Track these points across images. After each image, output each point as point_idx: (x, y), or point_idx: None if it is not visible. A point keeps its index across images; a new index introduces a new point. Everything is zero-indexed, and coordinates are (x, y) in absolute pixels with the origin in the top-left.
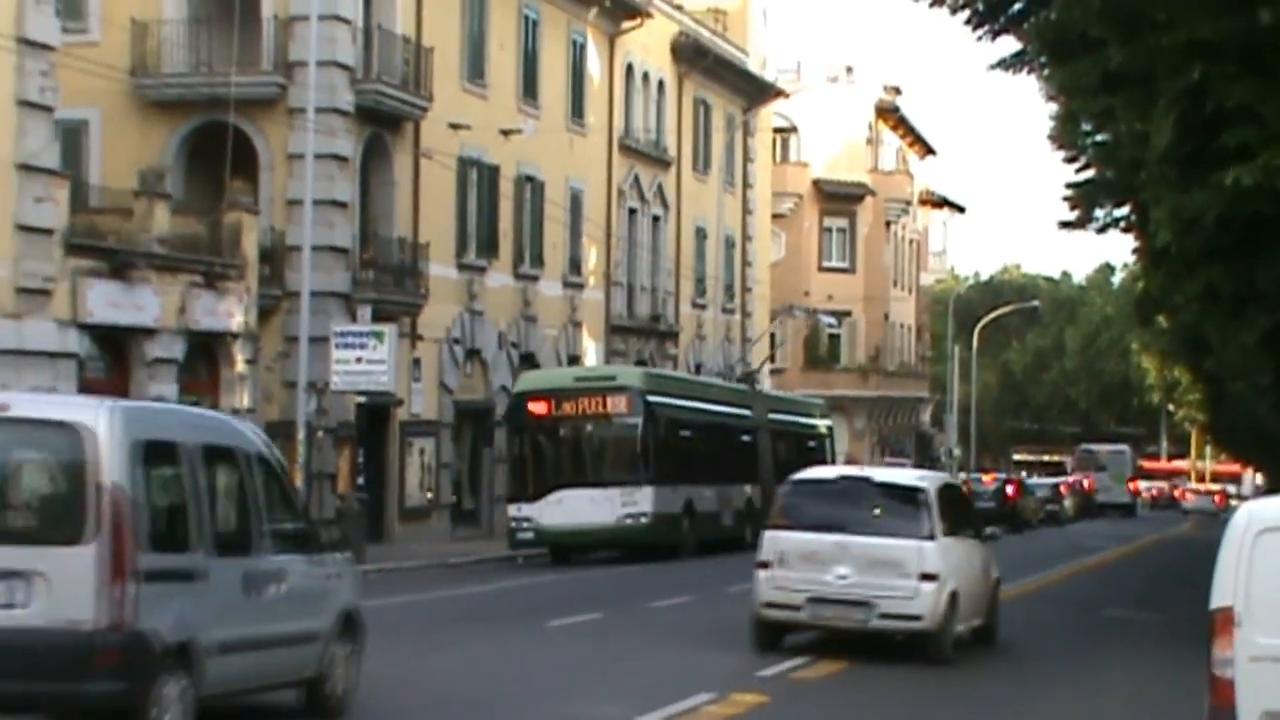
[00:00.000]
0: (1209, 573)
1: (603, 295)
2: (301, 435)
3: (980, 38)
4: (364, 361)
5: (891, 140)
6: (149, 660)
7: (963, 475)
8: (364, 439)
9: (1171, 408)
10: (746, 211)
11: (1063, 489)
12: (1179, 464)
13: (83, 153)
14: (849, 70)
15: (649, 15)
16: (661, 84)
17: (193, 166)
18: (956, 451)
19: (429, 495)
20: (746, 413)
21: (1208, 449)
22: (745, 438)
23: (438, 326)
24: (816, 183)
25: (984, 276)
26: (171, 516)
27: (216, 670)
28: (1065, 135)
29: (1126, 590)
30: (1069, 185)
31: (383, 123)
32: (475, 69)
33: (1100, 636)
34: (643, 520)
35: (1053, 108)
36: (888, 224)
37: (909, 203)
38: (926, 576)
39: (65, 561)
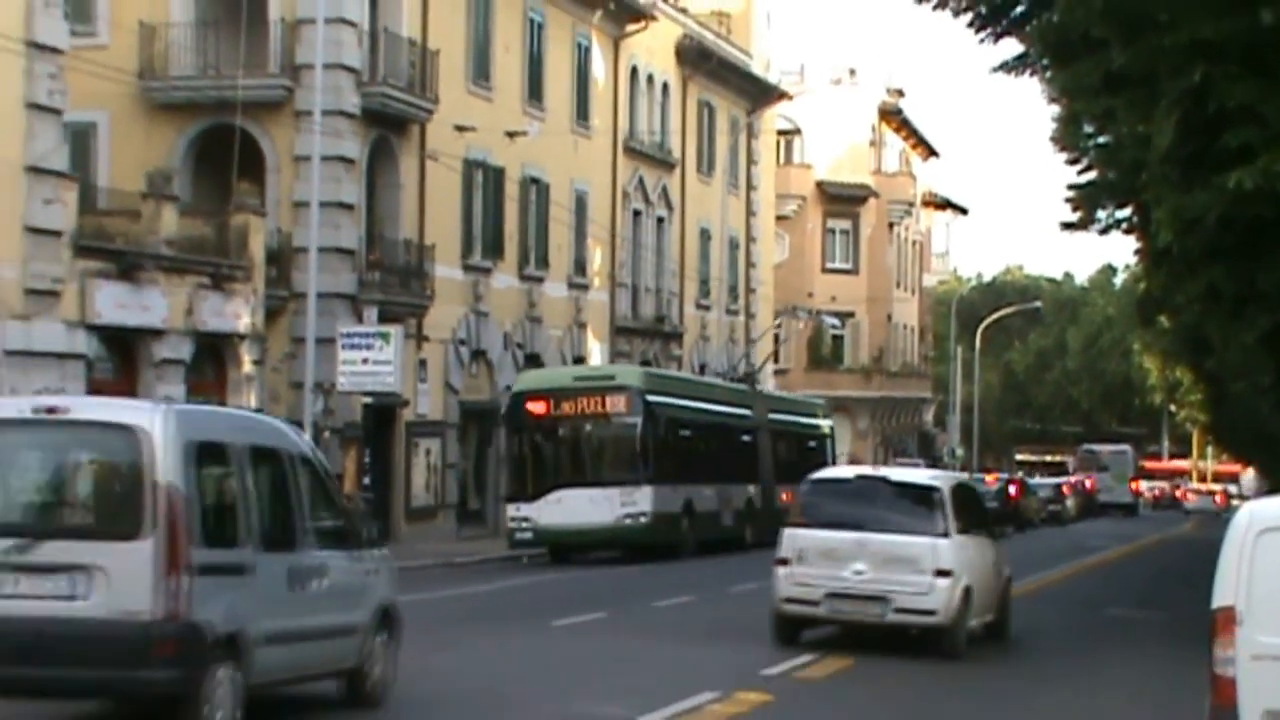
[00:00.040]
0: (1210, 572)
1: (607, 296)
2: (308, 436)
3: (983, 40)
4: (370, 362)
5: (895, 142)
6: (202, 650)
7: (965, 475)
8: (370, 439)
9: (1173, 408)
10: (750, 213)
11: (1065, 489)
12: (1180, 464)
13: (91, 155)
14: (852, 73)
15: (653, 18)
16: (666, 86)
17: (200, 169)
18: (959, 451)
19: (429, 496)
20: (747, 412)
21: (1209, 449)
22: (745, 437)
23: (443, 327)
24: (820, 184)
25: (986, 277)
26: (221, 513)
27: (263, 660)
28: (1067, 137)
29: (1128, 589)
30: (1071, 187)
31: (388, 125)
32: (480, 71)
33: (1102, 635)
34: (642, 520)
35: (1055, 110)
36: (891, 225)
37: (912, 204)
38: (941, 572)
39: (123, 556)
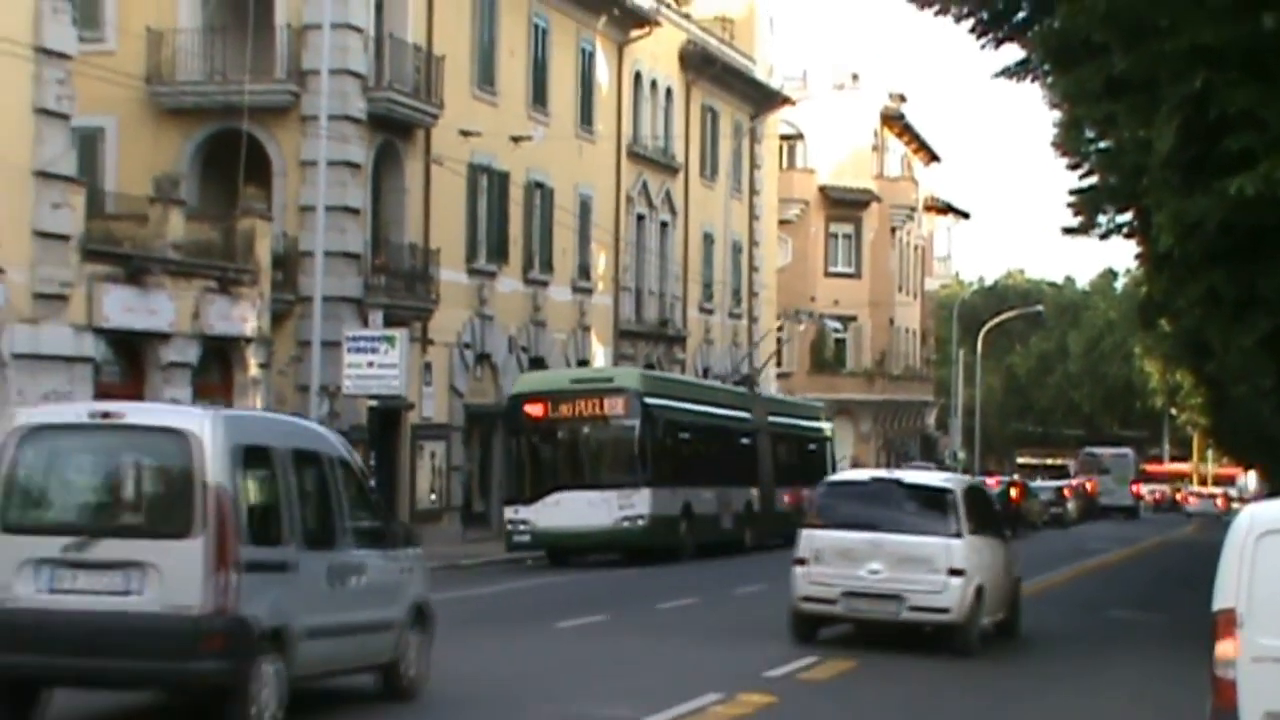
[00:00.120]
0: (1211, 575)
1: (611, 300)
2: None
3: (984, 46)
4: (376, 366)
5: (897, 147)
6: (249, 643)
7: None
8: (375, 442)
9: (1174, 411)
10: (753, 217)
11: (1066, 491)
12: (1181, 467)
13: (99, 160)
14: (855, 78)
15: (657, 24)
16: (669, 91)
17: (207, 173)
18: (961, 454)
19: (432, 498)
20: (746, 415)
21: (1210, 452)
22: (745, 440)
23: (448, 331)
24: (823, 189)
25: (988, 281)
26: (266, 513)
27: (305, 653)
28: (1069, 142)
29: (1130, 592)
30: (1072, 191)
31: (394, 130)
32: (485, 77)
33: (1104, 637)
34: (640, 523)
35: (1056, 115)
36: (893, 230)
37: (914, 209)
38: (954, 572)
39: (175, 553)
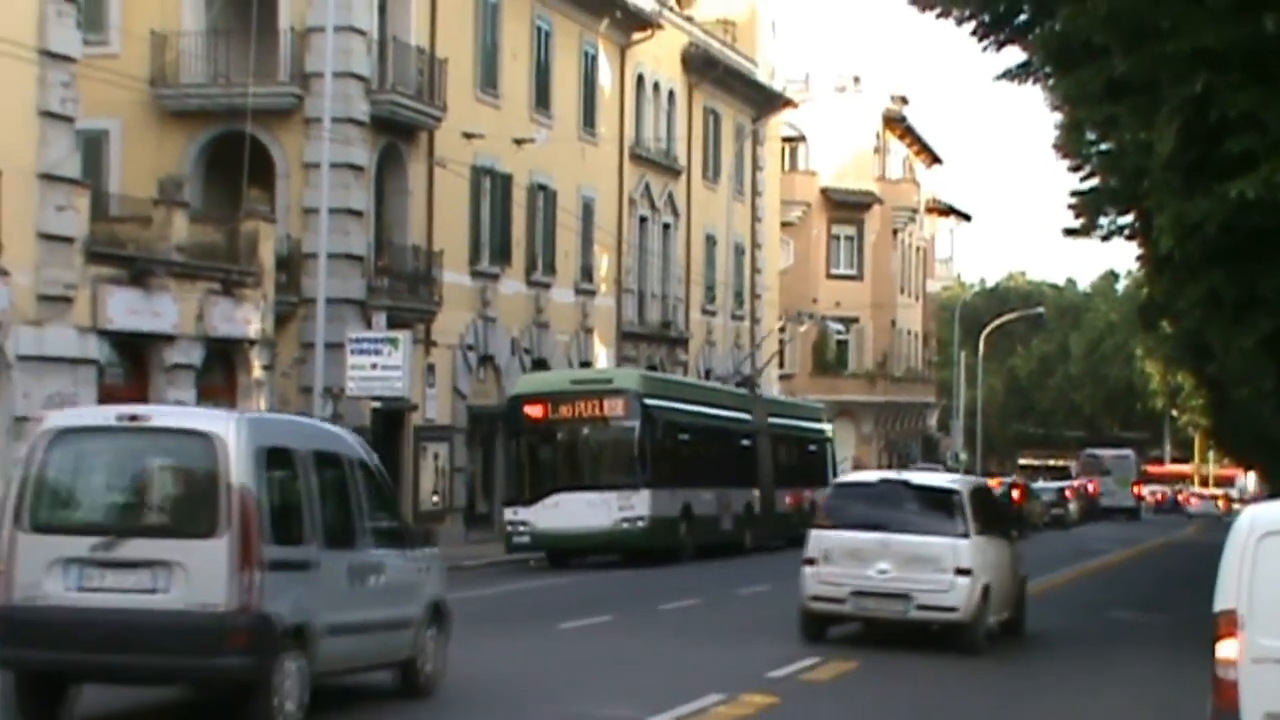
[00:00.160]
0: (1212, 576)
1: (614, 302)
2: None
3: (986, 48)
4: (379, 367)
5: (899, 149)
6: (272, 640)
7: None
8: (379, 444)
9: (1175, 412)
10: (755, 219)
11: (1068, 493)
12: (1182, 468)
13: (103, 162)
14: (856, 80)
15: (659, 26)
16: (672, 94)
17: (211, 176)
18: (963, 456)
19: (434, 499)
20: (746, 416)
21: (1211, 453)
22: (745, 441)
23: (451, 333)
24: (825, 191)
25: (990, 283)
26: (288, 513)
27: (327, 650)
28: (1070, 144)
29: (1131, 593)
30: (1074, 193)
31: (397, 132)
32: (488, 79)
33: (1106, 637)
34: (640, 524)
35: (1058, 117)
36: (895, 232)
37: (916, 211)
38: (961, 571)
39: (201, 552)
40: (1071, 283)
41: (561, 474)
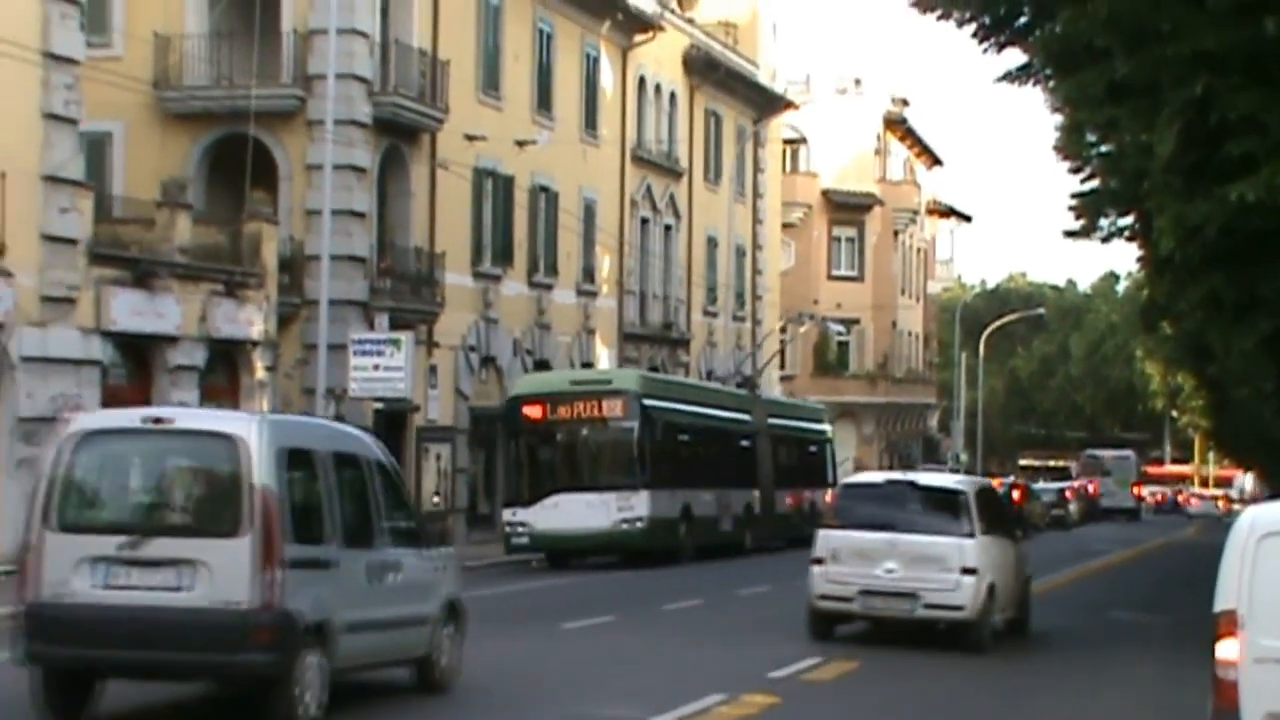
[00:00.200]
0: (1213, 576)
1: (616, 303)
2: None
3: (987, 50)
4: (381, 368)
5: (899, 151)
6: (293, 636)
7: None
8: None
9: (1175, 413)
10: (757, 221)
11: (1068, 493)
12: (1183, 469)
13: (106, 164)
14: (857, 82)
15: (661, 29)
16: (673, 96)
17: (214, 177)
18: (964, 456)
19: (435, 500)
20: (746, 417)
21: (1211, 454)
22: (744, 442)
23: (454, 334)
24: (825, 193)
25: (990, 285)
26: (309, 513)
27: (346, 647)
28: (1070, 146)
29: (1132, 593)
30: (1074, 195)
31: (400, 134)
32: (490, 81)
33: (1107, 638)
34: (639, 525)
35: (1058, 119)
36: (895, 233)
37: (916, 212)
38: (967, 570)
39: (224, 551)
40: (1072, 284)
41: (560, 475)
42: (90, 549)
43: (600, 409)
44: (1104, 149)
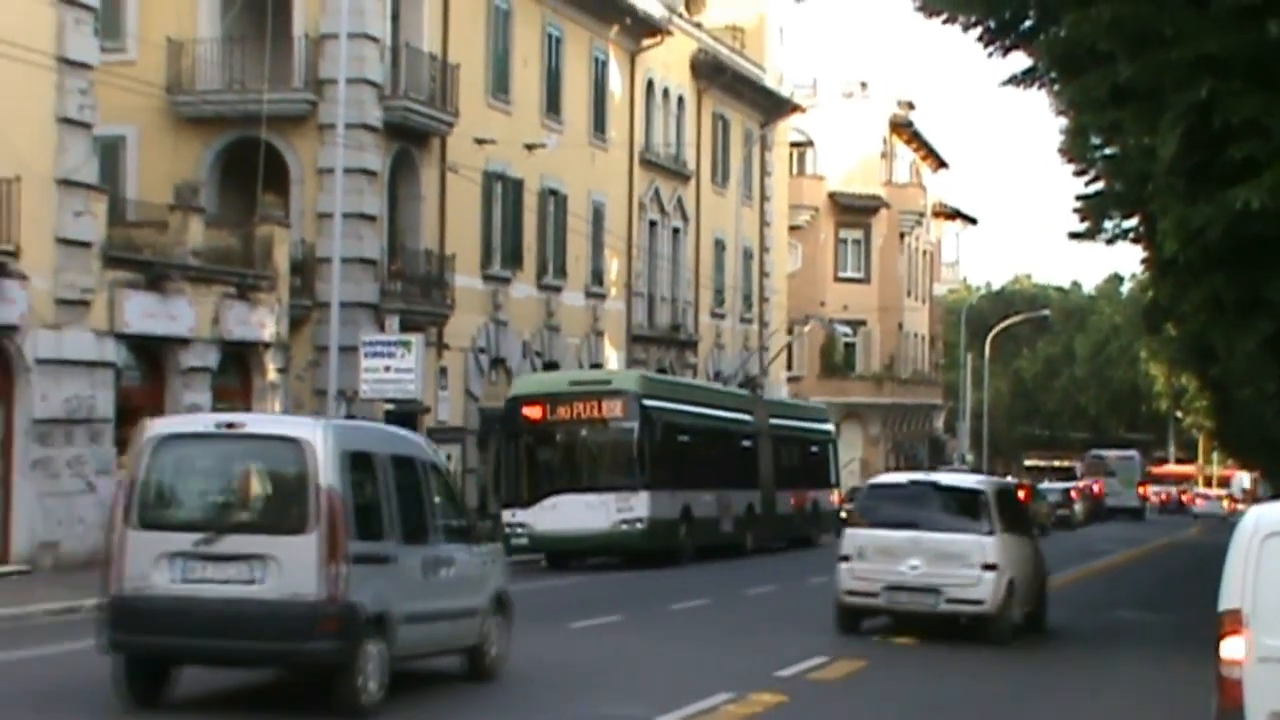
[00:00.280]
0: (1217, 576)
1: (624, 305)
2: None
3: (991, 54)
4: (392, 370)
5: (905, 154)
6: (357, 627)
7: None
8: None
9: (1179, 414)
10: (764, 223)
11: (1073, 493)
12: (1187, 469)
13: (120, 168)
14: (864, 86)
15: (669, 33)
16: (681, 99)
17: (226, 181)
18: (969, 457)
19: None
20: (747, 418)
21: (1215, 454)
22: (746, 443)
23: (464, 336)
24: (832, 195)
25: (995, 286)
26: (369, 512)
27: (404, 637)
28: (1075, 148)
29: (1137, 592)
30: (1078, 197)
31: (410, 138)
32: (500, 85)
33: (1112, 636)
34: (639, 526)
35: (1062, 122)
36: (902, 235)
37: (922, 215)
38: (988, 566)
39: (292, 547)
40: (1077, 286)
41: (560, 476)
42: (169, 545)
43: (600, 409)
44: (1108, 152)
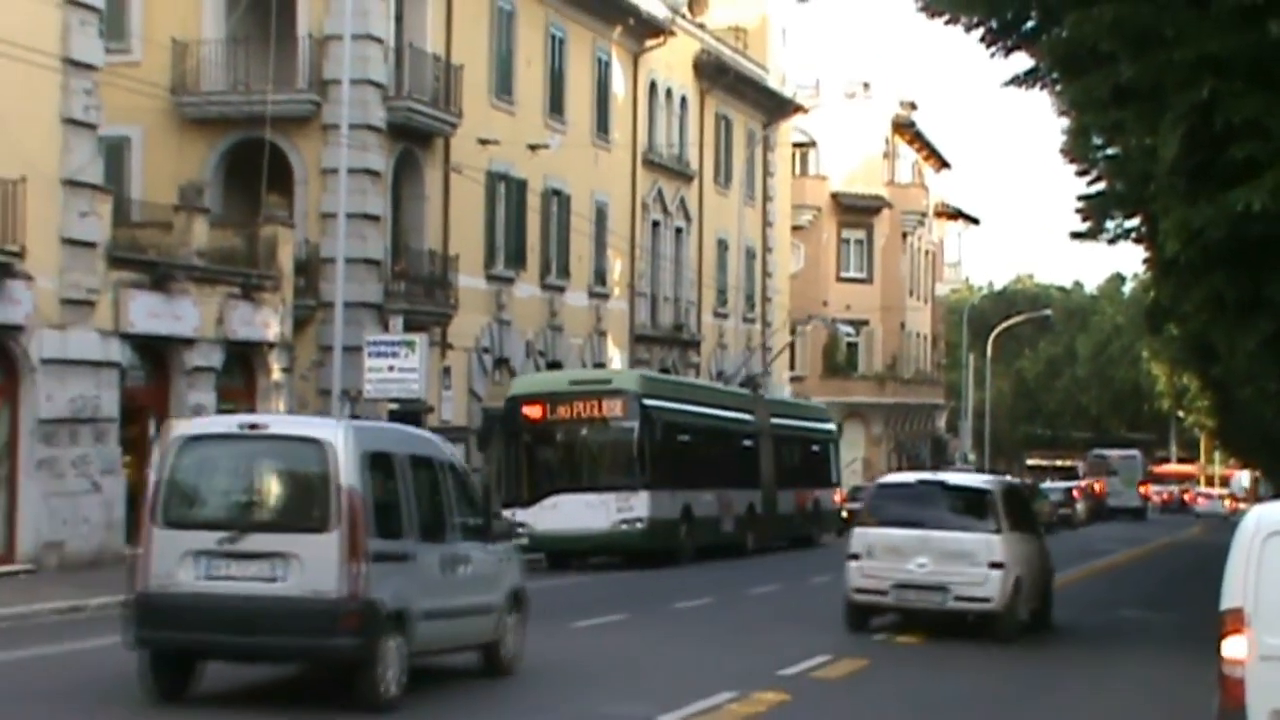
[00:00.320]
0: (1219, 575)
1: (627, 305)
2: None
3: (994, 54)
4: (396, 370)
5: (908, 154)
6: (377, 623)
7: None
8: None
9: (1181, 413)
10: (767, 224)
11: (1075, 493)
12: (1188, 468)
13: (125, 169)
14: (866, 86)
15: (672, 33)
16: (684, 100)
17: (231, 182)
18: (971, 457)
19: None
20: (748, 417)
21: (1217, 454)
22: (746, 442)
23: (467, 336)
24: (835, 195)
25: (998, 286)
26: (389, 511)
27: (422, 633)
28: (1077, 149)
29: (1139, 591)
30: (1080, 197)
31: (414, 138)
32: (503, 86)
33: (1114, 635)
34: (639, 526)
35: (1064, 122)
36: (904, 235)
37: (925, 215)
38: (995, 565)
39: (314, 546)
40: (1079, 285)
41: (560, 475)
42: (193, 543)
43: (600, 409)
44: (1110, 152)
